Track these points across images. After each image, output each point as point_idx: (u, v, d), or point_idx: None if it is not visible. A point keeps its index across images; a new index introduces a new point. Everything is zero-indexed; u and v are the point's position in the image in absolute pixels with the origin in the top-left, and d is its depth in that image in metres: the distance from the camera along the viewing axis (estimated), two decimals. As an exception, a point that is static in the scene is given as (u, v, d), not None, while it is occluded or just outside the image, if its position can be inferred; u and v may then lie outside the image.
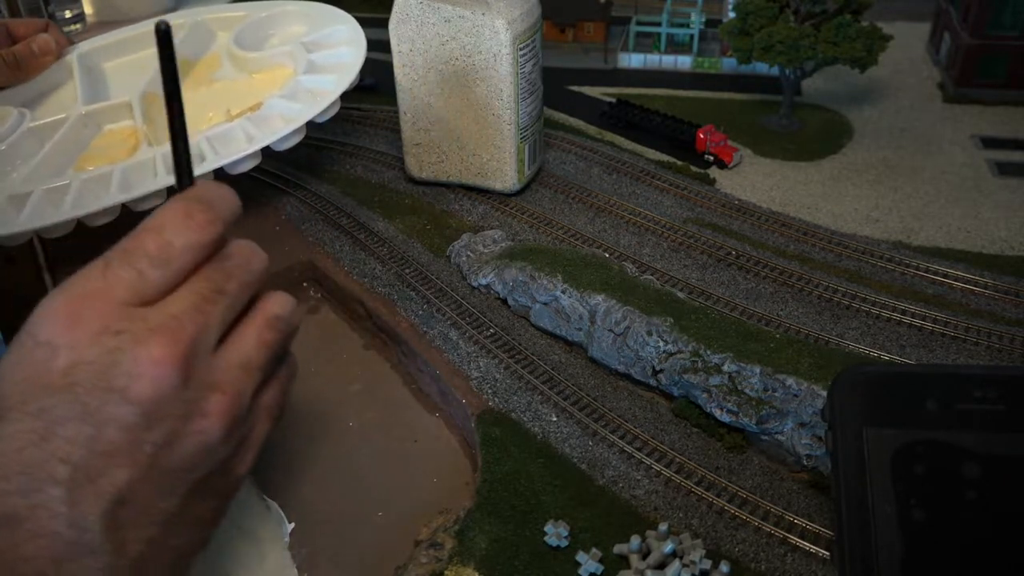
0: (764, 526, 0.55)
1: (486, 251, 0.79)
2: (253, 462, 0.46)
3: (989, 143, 1.01)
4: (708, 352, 0.63)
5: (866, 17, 0.99)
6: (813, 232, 0.84)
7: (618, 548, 0.54)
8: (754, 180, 0.95)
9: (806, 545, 0.54)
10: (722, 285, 0.76)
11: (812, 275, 0.76)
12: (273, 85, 0.84)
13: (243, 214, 0.45)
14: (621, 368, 0.67)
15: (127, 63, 0.95)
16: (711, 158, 0.98)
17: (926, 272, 0.77)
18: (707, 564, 0.52)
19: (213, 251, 0.44)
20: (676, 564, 0.52)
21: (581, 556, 0.53)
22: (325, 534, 0.59)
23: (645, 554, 0.53)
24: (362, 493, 0.62)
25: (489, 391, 0.66)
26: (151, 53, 0.98)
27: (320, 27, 0.91)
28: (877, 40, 0.96)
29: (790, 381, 0.60)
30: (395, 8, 0.82)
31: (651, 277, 0.75)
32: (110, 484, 0.38)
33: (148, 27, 0.97)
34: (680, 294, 0.71)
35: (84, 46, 0.94)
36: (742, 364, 0.62)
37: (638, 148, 1.02)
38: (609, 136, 1.05)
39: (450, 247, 0.81)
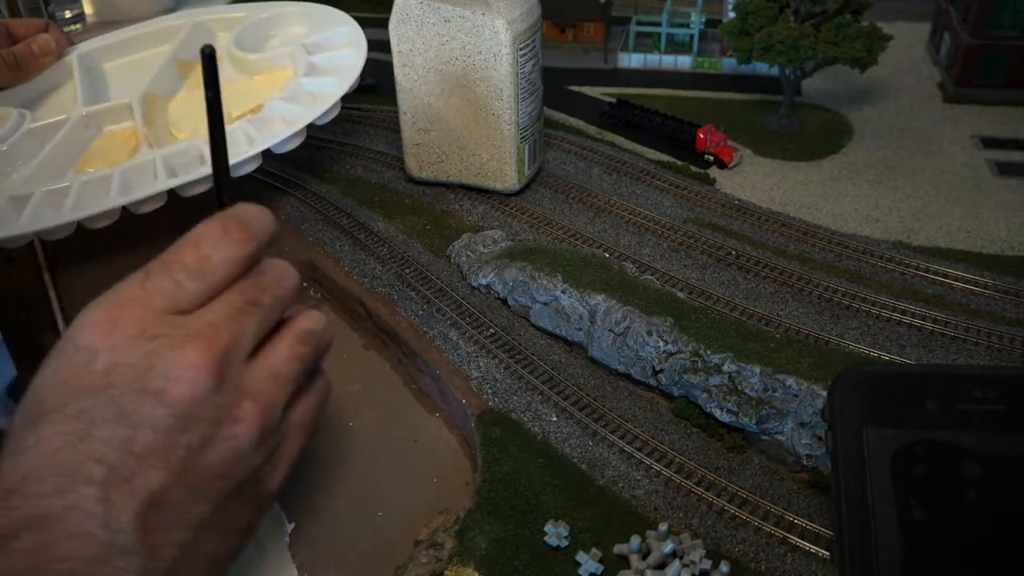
0: (764, 526, 0.55)
1: (486, 251, 0.79)
2: (286, 476, 0.47)
3: (989, 143, 1.01)
4: (708, 352, 0.63)
5: (866, 17, 0.99)
6: (813, 232, 0.84)
7: (618, 548, 0.54)
8: (754, 180, 0.95)
9: (806, 545, 0.54)
10: (722, 285, 0.76)
11: (812, 275, 0.76)
12: (274, 87, 0.84)
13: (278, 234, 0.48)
14: (621, 368, 0.67)
15: (128, 63, 0.95)
16: (711, 158, 0.98)
17: (926, 272, 0.77)
18: (707, 564, 0.52)
19: (248, 267, 0.46)
20: (676, 564, 0.52)
21: (581, 556, 0.53)
22: (325, 534, 0.59)
23: (645, 554, 0.53)
24: (362, 493, 0.62)
25: (489, 391, 0.66)
26: (152, 53, 0.98)
27: (321, 29, 0.91)
28: (877, 40, 0.96)
29: (790, 381, 0.60)
30: (395, 8, 0.82)
31: (651, 277, 0.75)
32: (144, 486, 0.39)
33: (149, 28, 0.97)
34: (680, 294, 0.71)
35: (84, 46, 0.94)
36: (742, 364, 0.62)
37: (638, 148, 1.02)
38: (609, 136, 1.05)
39: (450, 247, 0.81)
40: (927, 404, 0.44)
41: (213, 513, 0.42)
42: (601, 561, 0.53)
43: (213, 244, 0.44)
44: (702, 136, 0.98)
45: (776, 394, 0.60)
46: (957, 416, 0.44)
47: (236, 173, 0.74)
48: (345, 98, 0.82)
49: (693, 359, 0.63)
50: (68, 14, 1.42)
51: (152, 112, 0.83)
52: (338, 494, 0.62)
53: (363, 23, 0.90)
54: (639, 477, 0.59)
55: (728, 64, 1.21)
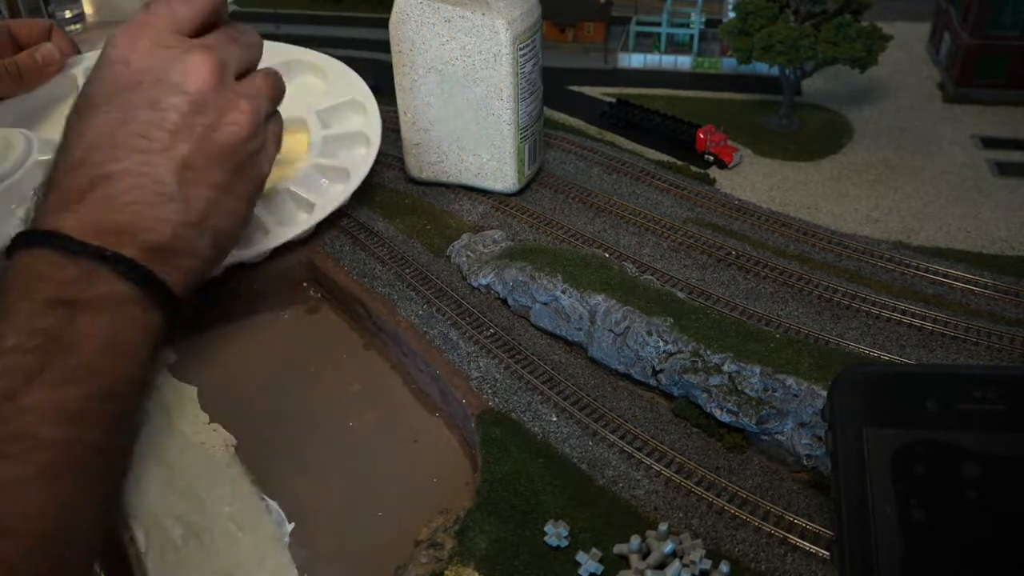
0: (764, 526, 0.55)
1: (486, 251, 0.79)
2: (270, 166, 0.65)
3: (989, 143, 1.01)
4: (708, 352, 0.63)
5: (866, 17, 0.99)
6: (813, 232, 0.84)
7: (618, 548, 0.54)
8: (754, 180, 0.95)
9: (806, 545, 0.54)
10: (722, 285, 0.76)
11: (812, 275, 0.76)
12: (286, 151, 0.83)
13: None
14: (621, 368, 0.67)
15: None
16: (711, 158, 0.98)
17: (926, 272, 0.77)
18: (707, 564, 0.52)
19: (224, 10, 0.63)
20: (676, 564, 0.52)
21: (581, 556, 0.53)
22: (325, 534, 0.59)
23: (645, 554, 0.53)
24: (362, 493, 0.62)
25: (489, 391, 0.66)
26: None
27: (334, 89, 0.89)
28: (877, 40, 0.96)
29: (790, 381, 0.60)
30: (395, 8, 0.82)
31: (651, 277, 0.75)
32: (177, 152, 0.56)
33: None
34: (680, 294, 0.71)
35: (91, 59, 0.92)
36: (742, 364, 0.62)
37: (638, 148, 1.02)
38: (609, 136, 1.05)
39: (450, 247, 0.81)
40: (927, 404, 0.44)
41: (227, 179, 0.59)
42: (601, 561, 0.53)
43: None
44: (702, 136, 0.98)
45: (776, 394, 0.60)
46: (957, 416, 0.43)
47: (252, 261, 0.77)
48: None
49: (693, 359, 0.63)
50: (68, 14, 1.42)
51: None
52: (338, 494, 0.62)
53: (363, 23, 0.90)
54: (639, 477, 0.59)
55: (728, 64, 1.21)
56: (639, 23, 1.27)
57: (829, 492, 0.56)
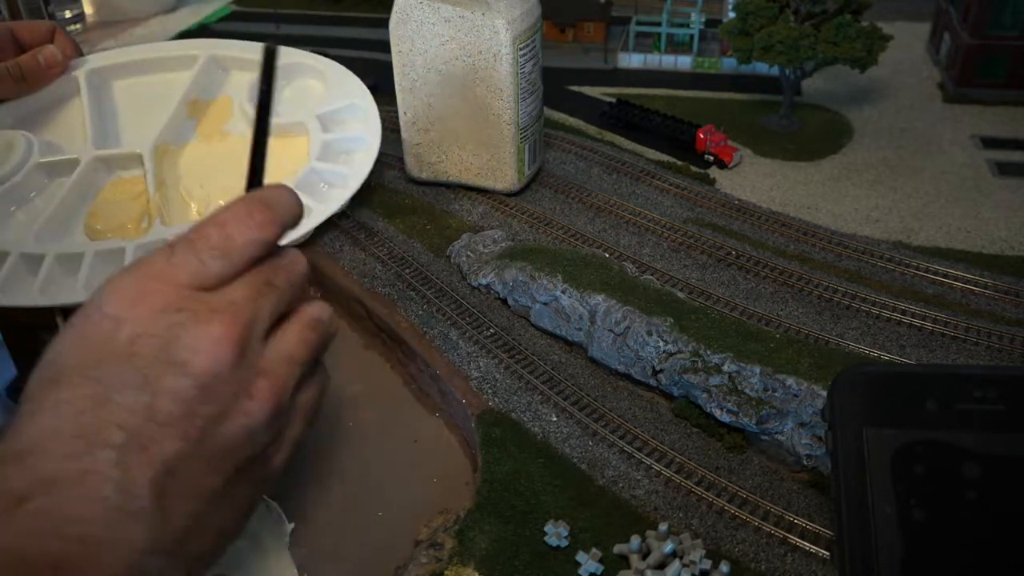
0: (764, 526, 0.55)
1: (486, 251, 0.79)
2: (289, 459, 0.48)
3: (989, 143, 1.01)
4: (708, 352, 0.63)
5: (866, 17, 0.99)
6: (813, 232, 0.84)
7: (618, 548, 0.54)
8: (754, 180, 0.95)
9: (806, 545, 0.54)
10: (722, 285, 0.76)
11: (812, 275, 0.76)
12: (285, 155, 0.83)
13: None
14: (621, 368, 0.67)
15: (139, 91, 0.92)
16: (711, 158, 0.98)
17: (926, 272, 0.77)
18: (707, 564, 0.52)
19: (270, 249, 0.47)
20: (676, 564, 0.52)
21: (581, 556, 0.53)
22: (325, 534, 0.59)
23: (645, 554, 0.53)
24: (362, 493, 0.62)
25: (489, 391, 0.66)
26: (164, 79, 0.95)
27: (334, 92, 0.89)
28: (877, 40, 0.96)
29: (790, 381, 0.60)
30: (395, 8, 0.82)
31: (651, 277, 0.75)
32: (161, 453, 0.40)
33: (163, 52, 0.95)
34: (680, 294, 0.71)
35: (93, 61, 0.92)
36: (742, 364, 0.62)
37: (638, 148, 1.02)
38: (609, 136, 1.05)
39: (450, 247, 0.81)
40: (927, 404, 0.44)
41: (223, 486, 0.43)
42: (601, 561, 0.53)
43: (238, 226, 0.45)
44: (702, 136, 0.98)
45: (776, 394, 0.60)
46: (957, 416, 0.43)
47: None
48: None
49: (693, 359, 0.63)
50: (68, 14, 1.43)
51: (163, 167, 0.81)
52: (338, 494, 0.62)
53: (363, 23, 0.90)
54: (639, 477, 0.59)
55: (728, 64, 1.21)
56: (639, 23, 1.27)
57: (829, 492, 0.56)
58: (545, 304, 0.72)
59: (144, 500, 0.39)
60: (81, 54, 0.91)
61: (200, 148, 0.85)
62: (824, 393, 0.58)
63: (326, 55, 0.92)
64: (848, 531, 0.43)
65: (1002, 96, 1.09)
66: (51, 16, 1.37)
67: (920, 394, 0.44)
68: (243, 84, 0.89)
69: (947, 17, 1.16)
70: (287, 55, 0.92)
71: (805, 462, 0.58)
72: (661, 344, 0.65)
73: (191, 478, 0.41)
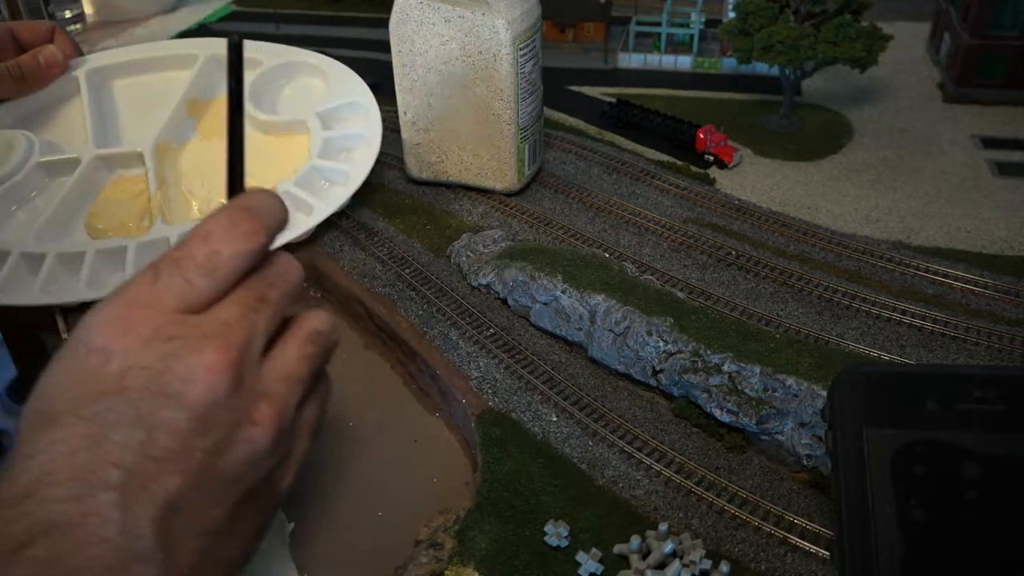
0: (764, 526, 0.55)
1: (486, 251, 0.79)
2: (294, 478, 0.46)
3: (989, 143, 1.01)
4: (708, 352, 0.63)
5: (866, 17, 0.99)
6: (813, 232, 0.84)
7: (618, 548, 0.54)
8: (754, 180, 0.95)
9: (806, 545, 0.54)
10: (722, 285, 0.76)
11: (812, 275, 0.76)
12: (287, 153, 0.83)
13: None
14: (621, 368, 0.67)
15: (138, 91, 0.92)
16: (711, 158, 0.98)
17: (926, 272, 0.77)
18: (707, 564, 0.52)
19: (258, 260, 0.44)
20: (676, 564, 0.52)
21: (581, 556, 0.53)
22: (325, 534, 0.59)
23: (645, 554, 0.53)
24: (362, 493, 0.62)
25: (489, 391, 0.66)
26: (164, 78, 0.95)
27: (335, 88, 0.89)
28: (877, 40, 0.96)
29: (790, 381, 0.60)
30: (395, 8, 0.82)
31: (651, 277, 0.75)
32: (163, 490, 0.38)
33: (163, 51, 0.95)
34: (680, 294, 0.71)
35: (93, 60, 0.92)
36: (742, 364, 0.62)
37: (638, 148, 1.02)
38: (609, 136, 1.05)
39: (450, 247, 0.81)
40: (927, 404, 0.44)
41: (229, 517, 0.41)
42: (601, 561, 0.53)
43: (222, 238, 0.42)
44: (702, 136, 0.98)
45: (776, 394, 0.60)
46: (957, 416, 0.43)
47: None
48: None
49: (693, 359, 0.63)
50: (68, 14, 1.43)
51: (164, 165, 0.81)
52: (338, 494, 0.62)
53: (363, 23, 0.90)
54: (639, 477, 0.59)
55: (728, 64, 1.21)
56: (639, 23, 1.27)
57: (829, 492, 0.56)
58: (545, 304, 0.72)
59: (148, 540, 0.37)
60: (81, 54, 0.91)
61: (201, 146, 0.85)
62: (824, 393, 0.58)
63: (326, 55, 0.92)
64: (848, 531, 0.43)
65: (1002, 96, 1.09)
66: (51, 16, 1.37)
67: (920, 394, 0.44)
68: (243, 82, 0.89)
69: (947, 17, 1.16)
70: (287, 54, 0.93)
71: (805, 462, 0.58)
72: (661, 344, 0.65)
73: (195, 513, 0.40)
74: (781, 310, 0.72)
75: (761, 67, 1.14)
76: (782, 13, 0.99)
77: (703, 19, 1.27)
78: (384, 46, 0.86)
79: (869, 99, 1.13)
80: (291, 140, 0.85)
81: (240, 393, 0.41)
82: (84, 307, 0.60)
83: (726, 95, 1.15)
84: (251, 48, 0.94)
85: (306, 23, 1.45)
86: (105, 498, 0.37)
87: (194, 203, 0.79)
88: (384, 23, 0.84)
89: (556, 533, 0.54)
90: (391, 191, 0.92)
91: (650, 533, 0.54)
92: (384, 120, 0.88)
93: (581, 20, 1.29)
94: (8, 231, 0.76)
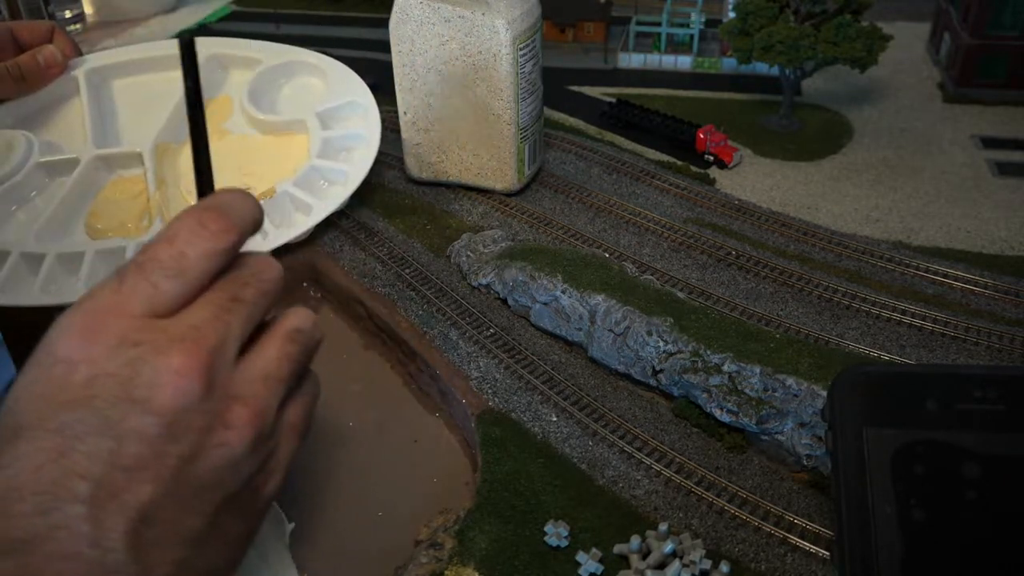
0: (764, 526, 0.55)
1: (486, 251, 0.79)
2: (281, 482, 0.45)
3: (989, 143, 1.01)
4: (708, 352, 0.63)
5: (866, 17, 0.99)
6: (813, 232, 0.84)
7: (618, 548, 0.54)
8: (754, 180, 0.95)
9: (806, 545, 0.54)
10: (722, 285, 0.76)
11: (812, 275, 0.76)
12: (286, 152, 0.82)
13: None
14: (621, 368, 0.67)
15: (138, 89, 0.92)
16: (711, 158, 0.98)
17: (926, 272, 0.77)
18: (707, 564, 0.52)
19: (229, 259, 0.43)
20: (676, 564, 0.52)
21: (581, 556, 0.53)
22: (325, 534, 0.59)
23: (645, 554, 0.53)
24: (362, 493, 0.62)
25: (489, 391, 0.66)
26: (163, 78, 0.95)
27: (335, 88, 0.89)
28: (877, 40, 0.96)
29: (790, 381, 0.60)
30: (395, 8, 0.82)
31: (651, 277, 0.75)
32: (134, 500, 0.37)
33: (162, 51, 0.95)
34: (680, 294, 0.71)
35: (92, 60, 0.92)
36: (742, 364, 0.62)
37: (638, 148, 1.02)
38: (609, 136, 1.05)
39: (450, 247, 0.81)
40: (927, 404, 0.44)
41: (207, 526, 0.40)
42: (601, 561, 0.53)
43: (189, 239, 0.41)
44: (702, 136, 0.98)
45: (776, 394, 0.60)
46: (957, 416, 0.43)
47: None
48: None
49: (693, 359, 0.63)
50: (68, 14, 1.43)
51: (163, 165, 0.81)
52: (338, 494, 0.62)
53: (363, 23, 0.90)
54: (639, 477, 0.59)
55: (728, 64, 1.21)
56: (639, 23, 1.27)
57: (829, 492, 0.56)
58: (545, 304, 0.72)
59: (120, 553, 0.36)
60: (80, 54, 0.91)
61: None
62: (824, 393, 0.58)
63: (326, 55, 0.92)
64: (848, 531, 0.43)
65: (1002, 96, 1.09)
66: (51, 16, 1.37)
67: (920, 394, 0.44)
68: (243, 83, 0.89)
69: (947, 17, 1.16)
70: (287, 53, 0.93)
71: (805, 462, 0.58)
72: (661, 344, 0.65)
73: (170, 523, 0.38)
74: (781, 310, 0.72)
75: (761, 67, 1.14)
76: (782, 13, 0.99)
77: (703, 19, 1.27)
78: (384, 46, 0.86)
79: (869, 99, 1.13)
80: (290, 140, 0.85)
81: (212, 396, 0.40)
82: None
83: (726, 95, 1.15)
84: (250, 47, 0.95)
85: (306, 23, 1.45)
86: (73, 511, 0.36)
87: (193, 203, 0.79)
88: (384, 23, 0.84)
89: (556, 533, 0.54)
90: (391, 191, 0.92)
91: (650, 533, 0.54)
92: (384, 120, 0.87)
93: (581, 20, 1.29)
94: (8, 231, 0.76)
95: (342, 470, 0.64)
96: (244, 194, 0.45)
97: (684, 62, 1.23)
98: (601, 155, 0.98)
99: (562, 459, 0.61)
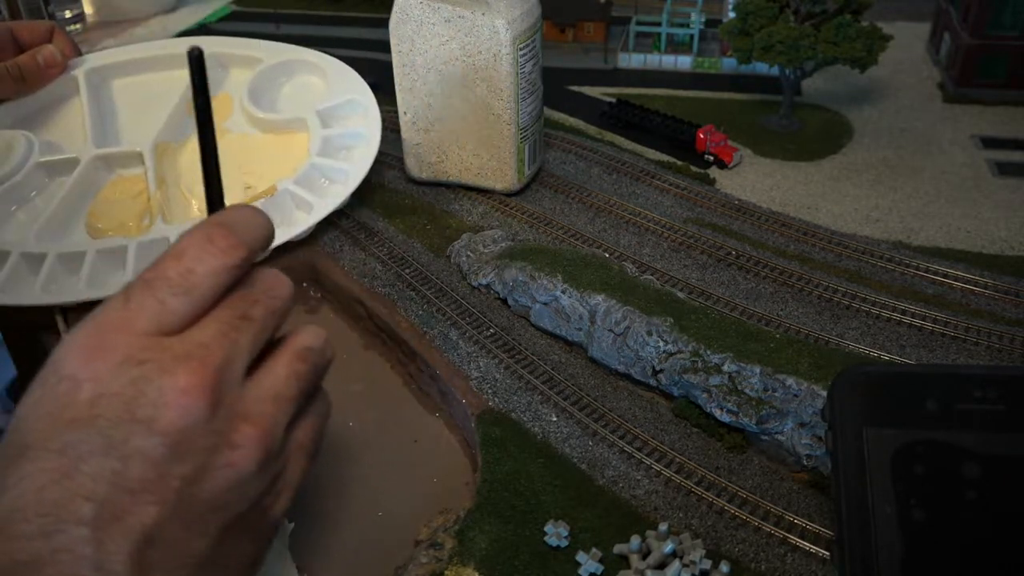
0: (764, 526, 0.55)
1: (486, 251, 0.79)
2: (290, 502, 0.44)
3: (989, 143, 1.01)
4: (708, 352, 0.63)
5: (866, 17, 0.99)
6: (813, 232, 0.84)
7: (618, 548, 0.54)
8: (754, 180, 0.95)
9: (806, 545, 0.54)
10: (722, 285, 0.76)
11: (812, 275, 0.76)
12: (286, 151, 0.83)
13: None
14: (621, 368, 0.67)
15: (137, 89, 0.92)
16: (711, 158, 0.98)
17: (926, 272, 0.77)
18: (707, 564, 0.52)
19: (238, 276, 0.42)
20: (676, 564, 0.52)
21: (581, 556, 0.53)
22: (325, 534, 0.59)
23: (645, 554, 0.53)
24: (362, 493, 0.62)
25: (489, 391, 0.66)
26: (163, 77, 0.95)
27: (335, 86, 0.89)
28: (877, 40, 0.96)
29: (790, 381, 0.60)
30: (395, 8, 0.82)
31: (651, 277, 0.75)
32: (138, 522, 0.36)
33: (162, 50, 0.95)
34: (680, 294, 0.71)
35: (92, 60, 0.92)
36: (742, 364, 0.62)
37: (638, 148, 1.02)
38: (609, 136, 1.05)
39: (450, 247, 0.81)
40: (927, 404, 0.44)
41: (213, 548, 0.39)
42: (601, 561, 0.53)
43: (197, 256, 0.41)
44: (702, 136, 0.98)
45: (776, 394, 0.60)
46: (957, 416, 0.44)
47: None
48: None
49: (693, 359, 0.63)
50: (68, 14, 1.43)
51: (163, 164, 0.81)
52: (338, 494, 0.62)
53: (363, 23, 0.90)
54: (639, 477, 0.59)
55: (728, 64, 1.21)
56: (639, 23, 1.27)
57: (829, 492, 0.56)
58: (545, 304, 0.72)
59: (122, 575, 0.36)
60: (80, 54, 0.92)
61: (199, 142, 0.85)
62: (824, 393, 0.58)
63: (327, 54, 0.92)
64: (848, 531, 0.43)
65: (1002, 96, 1.09)
66: (51, 16, 1.37)
67: (920, 394, 0.44)
68: (242, 82, 0.89)
69: (947, 17, 1.16)
70: (287, 52, 0.93)
71: (805, 462, 0.58)
72: (661, 344, 0.65)
73: (175, 545, 0.38)
74: (781, 310, 0.72)
75: (761, 67, 1.14)
76: (782, 13, 0.99)
77: (703, 19, 1.27)
78: (384, 46, 0.86)
79: (869, 99, 1.13)
80: (291, 138, 0.85)
81: (218, 416, 0.39)
82: (84, 307, 0.60)
83: (726, 95, 1.15)
84: (251, 46, 0.95)
85: (306, 23, 1.45)
86: (77, 533, 0.35)
87: (194, 202, 0.79)
88: (384, 23, 0.84)
89: (556, 533, 0.54)
90: (391, 191, 0.92)
91: (650, 533, 0.54)
92: (384, 120, 0.88)
93: (581, 20, 1.29)
94: (8, 231, 0.76)
95: (342, 470, 0.64)
96: (254, 210, 0.44)
97: (684, 62, 1.23)
98: (601, 155, 0.98)
99: (562, 459, 0.61)
